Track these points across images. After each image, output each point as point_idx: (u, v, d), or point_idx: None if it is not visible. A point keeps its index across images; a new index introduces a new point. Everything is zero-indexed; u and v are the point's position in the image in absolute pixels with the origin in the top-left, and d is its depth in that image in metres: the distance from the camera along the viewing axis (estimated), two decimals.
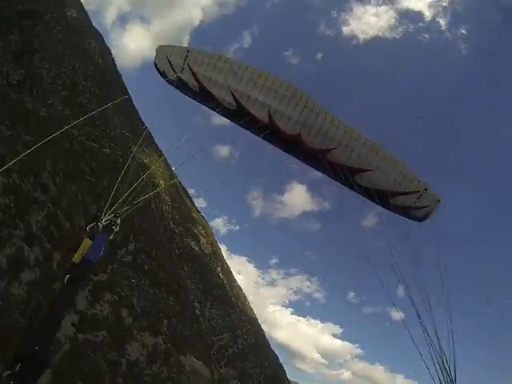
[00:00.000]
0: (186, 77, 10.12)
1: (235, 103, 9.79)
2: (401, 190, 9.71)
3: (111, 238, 6.18)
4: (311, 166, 10.32)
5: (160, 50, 10.52)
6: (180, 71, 10.10)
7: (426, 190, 9.88)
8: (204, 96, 10.25)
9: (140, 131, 42.61)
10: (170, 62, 10.11)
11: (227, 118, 10.57)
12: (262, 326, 59.56)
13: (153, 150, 48.07)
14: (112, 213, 6.36)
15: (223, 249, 74.15)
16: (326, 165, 9.42)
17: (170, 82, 10.74)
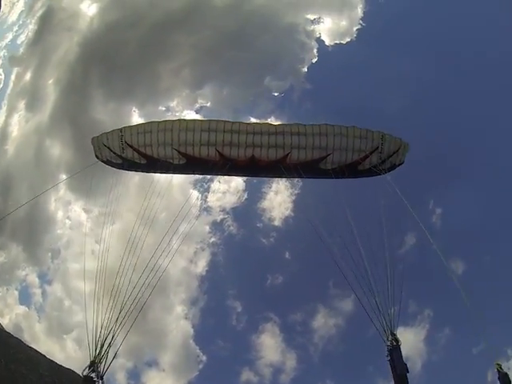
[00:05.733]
0: (129, 154, 10.35)
1: (184, 157, 10.16)
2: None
3: None
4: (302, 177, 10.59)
5: (95, 140, 10.69)
6: (121, 152, 10.32)
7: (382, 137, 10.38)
8: (152, 164, 10.47)
9: None
10: (109, 147, 10.32)
11: (180, 173, 10.84)
12: None
13: None
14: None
15: None
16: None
17: (117, 166, 10.87)
